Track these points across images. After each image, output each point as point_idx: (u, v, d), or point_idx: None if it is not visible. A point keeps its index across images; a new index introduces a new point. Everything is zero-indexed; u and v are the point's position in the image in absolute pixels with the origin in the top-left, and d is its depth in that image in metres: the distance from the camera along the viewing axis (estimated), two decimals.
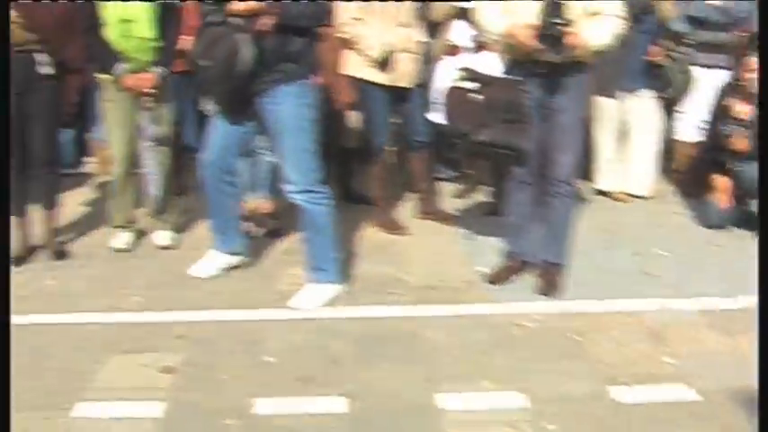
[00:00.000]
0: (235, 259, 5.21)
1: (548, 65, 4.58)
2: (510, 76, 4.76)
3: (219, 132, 4.83)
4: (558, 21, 4.46)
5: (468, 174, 6.71)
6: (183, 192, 6.25)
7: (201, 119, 6.36)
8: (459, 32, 6.12)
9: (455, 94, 4.84)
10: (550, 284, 4.90)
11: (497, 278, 5.07)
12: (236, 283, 5.10)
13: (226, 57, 4.41)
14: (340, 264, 4.95)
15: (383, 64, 5.63)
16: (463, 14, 6.02)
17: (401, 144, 6.16)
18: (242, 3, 4.38)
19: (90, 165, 7.46)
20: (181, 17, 5.55)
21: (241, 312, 4.71)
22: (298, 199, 4.73)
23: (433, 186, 6.26)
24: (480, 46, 6.00)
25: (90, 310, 4.76)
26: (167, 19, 5.35)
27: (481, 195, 6.63)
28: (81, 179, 7.18)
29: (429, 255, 5.56)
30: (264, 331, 4.50)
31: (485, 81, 4.79)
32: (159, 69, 5.34)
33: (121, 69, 5.28)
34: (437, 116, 6.09)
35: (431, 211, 6.17)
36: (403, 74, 5.70)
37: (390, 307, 4.77)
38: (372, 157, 5.95)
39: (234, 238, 5.17)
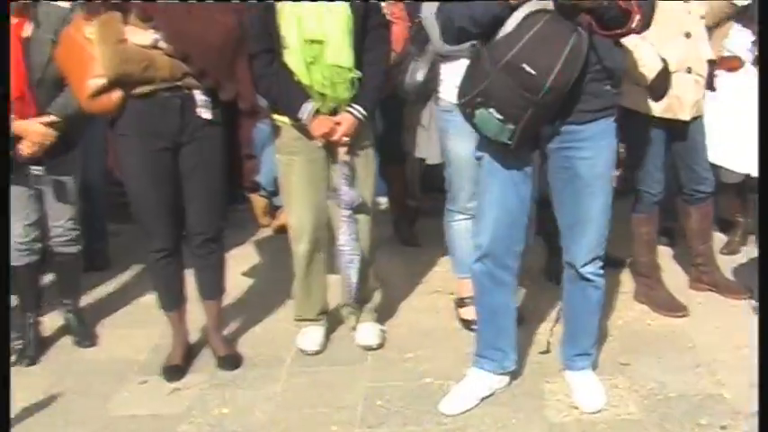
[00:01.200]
0: (503, 381, 3.73)
1: None
2: None
3: (502, 203, 3.43)
4: None
5: (739, 222, 5.14)
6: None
7: None
8: (739, 40, 4.58)
9: None
10: None
11: None
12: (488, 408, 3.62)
13: (567, 62, 3.07)
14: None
15: (658, 88, 4.07)
16: (743, 16, 4.49)
17: (673, 194, 4.57)
18: None
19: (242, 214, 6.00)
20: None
21: None
22: (587, 272, 3.48)
23: (712, 248, 4.64)
24: None
25: None
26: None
27: (753, 248, 5.06)
28: (233, 237, 5.47)
29: (733, 351, 3.99)
30: None
31: None
32: (358, 109, 3.90)
33: (309, 110, 3.85)
34: (722, 158, 4.59)
35: (710, 281, 4.59)
36: (682, 102, 4.15)
37: None
38: (638, 212, 4.41)
39: (508, 352, 3.69)
